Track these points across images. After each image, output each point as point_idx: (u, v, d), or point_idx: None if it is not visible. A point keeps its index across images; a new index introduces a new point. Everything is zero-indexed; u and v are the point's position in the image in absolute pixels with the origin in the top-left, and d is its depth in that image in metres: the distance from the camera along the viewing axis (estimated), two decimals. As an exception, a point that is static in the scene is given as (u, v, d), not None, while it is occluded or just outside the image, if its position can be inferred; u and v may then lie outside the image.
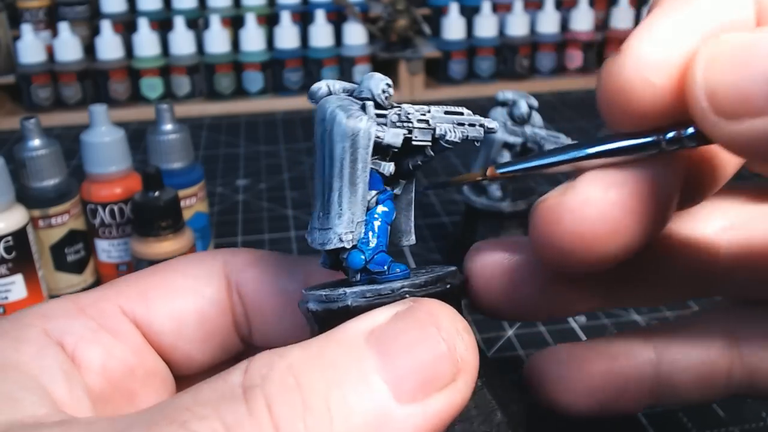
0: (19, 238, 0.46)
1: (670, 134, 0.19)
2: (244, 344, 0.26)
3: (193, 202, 0.54)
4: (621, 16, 1.08)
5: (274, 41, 1.01)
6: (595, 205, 0.19)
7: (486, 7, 1.03)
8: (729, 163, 0.22)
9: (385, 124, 0.20)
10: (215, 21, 0.99)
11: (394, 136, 0.20)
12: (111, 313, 0.23)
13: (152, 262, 0.48)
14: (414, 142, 0.21)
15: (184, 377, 0.25)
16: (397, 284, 0.20)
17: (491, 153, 0.51)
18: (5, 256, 0.46)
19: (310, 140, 0.89)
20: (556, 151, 0.21)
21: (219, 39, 0.99)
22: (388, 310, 0.19)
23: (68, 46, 0.94)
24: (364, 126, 0.20)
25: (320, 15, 1.00)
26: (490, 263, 0.24)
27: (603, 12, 1.12)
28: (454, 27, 1.04)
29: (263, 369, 0.17)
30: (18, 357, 0.19)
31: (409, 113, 0.21)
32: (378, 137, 0.20)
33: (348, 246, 0.20)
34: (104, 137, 0.51)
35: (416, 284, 0.20)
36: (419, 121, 0.21)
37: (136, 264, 0.49)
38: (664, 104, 0.18)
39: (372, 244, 0.21)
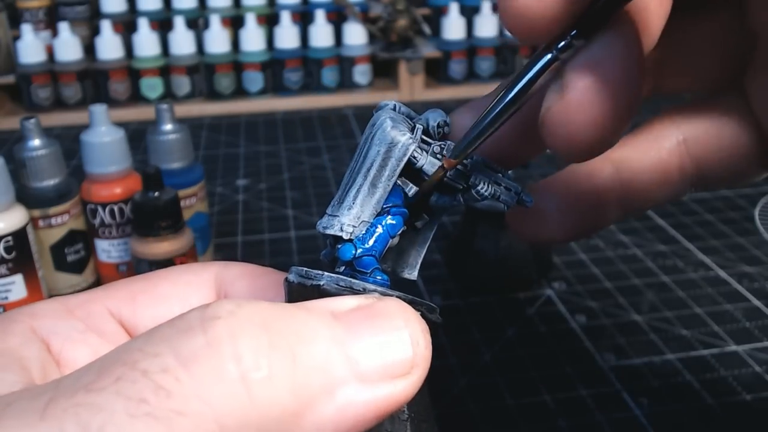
0: (19, 238, 0.46)
1: (561, 44, 0.20)
2: None
3: (193, 202, 0.54)
4: (621, 16, 1.08)
5: (274, 41, 1.01)
6: (593, 99, 0.20)
7: (486, 7, 1.03)
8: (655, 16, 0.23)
9: (427, 152, 0.21)
10: (215, 21, 0.99)
11: (429, 164, 0.21)
12: (98, 314, 0.23)
13: (152, 262, 0.48)
14: (446, 179, 0.22)
15: None
16: (371, 287, 0.20)
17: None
18: (5, 256, 0.46)
19: (310, 140, 0.89)
20: (487, 114, 0.21)
21: (219, 39, 0.99)
22: (356, 300, 0.19)
23: (68, 46, 0.94)
24: (404, 140, 0.21)
25: (320, 15, 1.00)
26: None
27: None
28: (454, 27, 1.04)
29: (229, 306, 0.16)
30: (2, 345, 0.19)
31: (451, 149, 0.21)
32: (414, 157, 0.21)
33: (345, 237, 0.21)
34: (104, 137, 0.51)
35: (388, 295, 0.20)
36: (460, 163, 0.22)
37: (136, 264, 0.49)
38: (554, 11, 0.20)
39: (367, 245, 0.21)
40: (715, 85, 0.28)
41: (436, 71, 1.06)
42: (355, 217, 0.21)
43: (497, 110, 0.21)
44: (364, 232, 0.21)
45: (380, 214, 0.21)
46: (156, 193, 0.47)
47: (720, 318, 0.50)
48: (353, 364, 0.17)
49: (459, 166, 0.22)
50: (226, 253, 0.60)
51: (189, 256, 0.49)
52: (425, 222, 0.23)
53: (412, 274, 0.23)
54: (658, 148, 0.28)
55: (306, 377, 0.16)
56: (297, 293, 0.20)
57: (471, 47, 1.05)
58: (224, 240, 0.62)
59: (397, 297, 0.20)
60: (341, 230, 0.21)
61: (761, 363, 0.45)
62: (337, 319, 0.18)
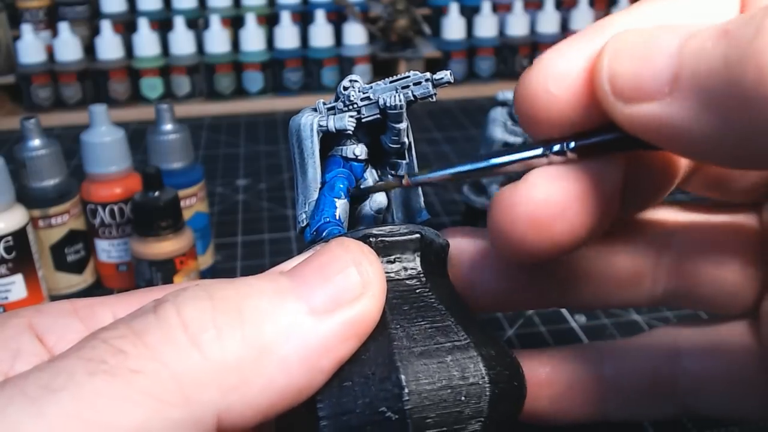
0: (19, 238, 0.46)
1: (556, 147, 0.21)
2: None
3: (193, 202, 0.54)
4: (621, 16, 1.08)
5: (274, 41, 1.01)
6: (542, 192, 0.21)
7: (486, 7, 1.03)
8: (675, 168, 0.24)
9: (334, 114, 0.23)
10: (215, 21, 0.99)
11: (338, 121, 0.22)
12: (101, 317, 0.23)
13: (152, 262, 0.48)
14: (363, 120, 0.22)
15: None
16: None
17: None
18: (5, 256, 0.46)
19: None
20: (464, 162, 0.22)
21: (219, 39, 0.99)
22: (302, 255, 0.20)
23: (68, 46, 0.94)
24: (304, 120, 0.22)
25: (320, 15, 1.00)
26: (457, 249, 0.25)
27: (603, 12, 1.12)
28: (454, 27, 1.04)
29: (175, 290, 0.18)
30: None
31: (350, 96, 0.22)
32: (321, 126, 0.22)
33: (303, 224, 0.22)
34: (104, 137, 0.51)
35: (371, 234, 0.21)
36: (363, 99, 0.22)
37: (136, 264, 0.49)
38: (566, 112, 0.20)
39: (316, 218, 0.22)
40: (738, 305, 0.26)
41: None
42: (302, 204, 0.22)
43: (472, 168, 0.22)
44: (313, 209, 0.22)
45: (322, 187, 0.23)
46: (156, 193, 0.47)
47: (720, 318, 0.49)
48: (301, 304, 0.18)
49: (366, 101, 0.22)
50: (226, 253, 0.60)
51: (189, 256, 0.49)
52: (402, 166, 0.24)
53: (422, 216, 0.24)
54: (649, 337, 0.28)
55: (255, 326, 0.17)
56: None
57: (471, 47, 1.05)
58: (224, 240, 0.62)
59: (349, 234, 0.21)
60: (300, 222, 0.22)
61: (761, 363, 0.45)
62: (282, 274, 0.19)
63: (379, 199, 0.23)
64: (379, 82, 0.22)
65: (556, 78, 0.20)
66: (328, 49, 1.01)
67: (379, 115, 0.22)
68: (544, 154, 0.21)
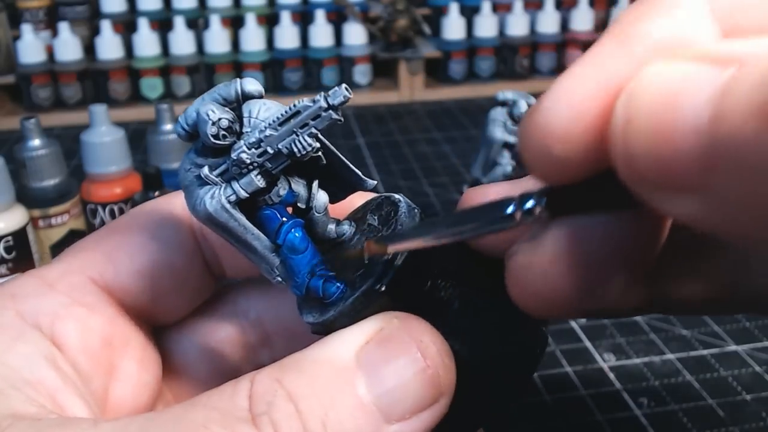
0: (19, 238, 0.46)
1: (529, 203, 0.17)
2: (216, 282, 0.26)
3: (193, 202, 0.54)
4: (621, 16, 1.08)
5: (274, 41, 1.01)
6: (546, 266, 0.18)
7: (486, 7, 1.03)
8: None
9: (235, 177, 0.19)
10: (215, 21, 0.99)
11: (247, 185, 0.19)
12: (81, 286, 0.23)
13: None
14: (274, 172, 0.20)
15: (166, 328, 0.26)
16: (341, 303, 0.20)
17: (491, 153, 0.51)
18: (5, 256, 0.46)
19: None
20: (426, 232, 0.20)
21: (219, 39, 0.99)
22: (374, 325, 0.20)
23: (68, 46, 0.94)
24: (210, 206, 0.19)
25: (320, 15, 1.00)
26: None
27: (603, 12, 1.12)
28: (454, 27, 1.04)
29: (267, 396, 0.18)
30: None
31: (243, 161, 0.19)
32: (231, 200, 0.19)
33: (284, 284, 0.21)
34: (104, 137, 0.51)
35: (359, 296, 0.20)
36: (260, 156, 0.19)
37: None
38: (584, 156, 0.16)
39: (298, 278, 0.21)
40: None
41: (436, 71, 1.06)
42: (268, 271, 0.21)
43: (441, 239, 0.19)
44: (287, 271, 0.21)
45: (278, 248, 0.21)
46: (156, 193, 0.47)
47: (720, 318, 0.49)
48: (386, 411, 0.18)
49: (264, 156, 0.19)
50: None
51: (189, 256, 0.49)
52: (322, 157, 0.22)
53: (367, 184, 0.22)
54: None
55: None
56: (318, 328, 0.21)
57: (471, 47, 1.05)
58: (224, 240, 0.62)
59: (368, 288, 0.20)
60: (279, 283, 0.21)
61: (761, 363, 0.45)
62: (360, 368, 0.19)
63: (323, 200, 0.22)
64: (265, 130, 0.19)
65: (571, 119, 0.15)
66: (328, 49, 1.01)
67: (288, 161, 0.20)
68: (511, 216, 0.17)
